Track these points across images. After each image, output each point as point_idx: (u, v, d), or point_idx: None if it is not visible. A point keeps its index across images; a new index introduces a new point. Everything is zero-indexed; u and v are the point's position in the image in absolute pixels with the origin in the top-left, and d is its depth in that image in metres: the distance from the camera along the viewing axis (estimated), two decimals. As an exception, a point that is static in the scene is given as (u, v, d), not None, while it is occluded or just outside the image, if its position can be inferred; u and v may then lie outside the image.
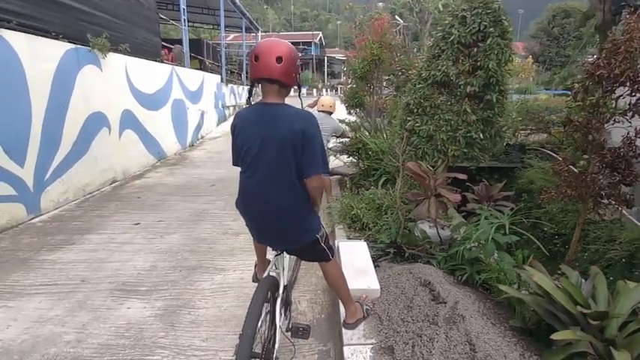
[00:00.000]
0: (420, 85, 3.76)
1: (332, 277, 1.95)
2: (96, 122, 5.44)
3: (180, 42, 10.06)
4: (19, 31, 4.09)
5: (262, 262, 2.15)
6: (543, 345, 1.90)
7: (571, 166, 2.90)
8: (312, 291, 2.83)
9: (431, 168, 3.07)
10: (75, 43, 4.96)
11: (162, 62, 7.98)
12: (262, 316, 1.63)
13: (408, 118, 3.84)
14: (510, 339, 1.96)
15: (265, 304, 1.67)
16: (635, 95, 2.51)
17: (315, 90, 29.62)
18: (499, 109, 3.59)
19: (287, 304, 2.05)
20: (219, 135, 10.70)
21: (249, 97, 1.74)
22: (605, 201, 2.81)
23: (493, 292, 2.43)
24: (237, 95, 15.03)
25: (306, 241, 1.78)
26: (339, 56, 35.79)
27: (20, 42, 4.08)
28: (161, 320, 2.47)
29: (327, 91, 29.92)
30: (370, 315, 2.19)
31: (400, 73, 6.27)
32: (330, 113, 4.78)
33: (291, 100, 1.71)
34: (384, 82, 6.89)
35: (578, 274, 2.09)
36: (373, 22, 6.78)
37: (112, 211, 4.64)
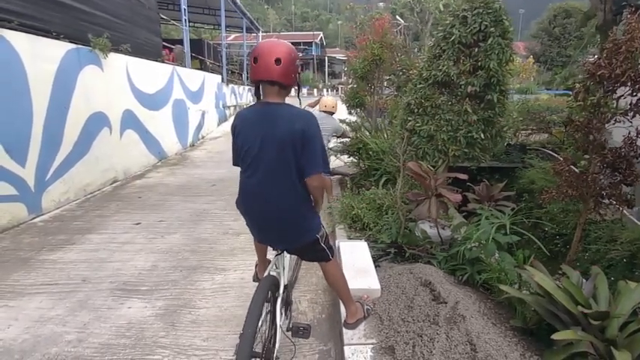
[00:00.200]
0: (421, 85, 3.76)
1: (332, 277, 1.95)
2: (97, 122, 5.44)
3: (181, 42, 10.07)
4: (20, 31, 4.10)
5: (263, 262, 2.15)
6: (544, 345, 1.90)
7: (572, 166, 2.90)
8: (312, 291, 2.83)
9: (431, 168, 3.07)
10: (76, 43, 4.97)
11: (163, 62, 7.99)
12: (263, 316, 1.63)
13: (409, 118, 3.84)
14: (511, 339, 1.96)
15: (266, 304, 1.67)
16: (636, 95, 2.51)
17: (315, 90, 29.62)
18: (500, 109, 3.59)
19: (287, 303, 2.05)
20: (219, 135, 10.71)
21: (257, 98, 1.71)
22: (606, 201, 2.81)
23: (494, 292, 2.43)
24: (238, 95, 15.05)
25: (306, 240, 1.78)
26: (340, 56, 35.79)
27: (21, 42, 4.09)
28: (162, 320, 2.48)
29: (327, 91, 29.92)
30: (371, 315, 2.19)
31: (401, 73, 6.27)
32: (332, 114, 4.78)
33: (291, 100, 1.71)
34: (385, 82, 6.88)
35: (579, 274, 2.09)
36: (374, 22, 6.78)
37: (113, 210, 4.64)
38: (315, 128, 1.60)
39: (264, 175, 1.64)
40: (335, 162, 5.65)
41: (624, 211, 3.50)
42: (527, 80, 18.79)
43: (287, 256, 2.02)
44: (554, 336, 1.64)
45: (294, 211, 1.72)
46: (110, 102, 5.75)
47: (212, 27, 19.63)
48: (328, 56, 41.70)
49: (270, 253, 2.01)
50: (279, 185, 1.65)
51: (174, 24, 14.37)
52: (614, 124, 2.64)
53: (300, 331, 1.93)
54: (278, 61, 1.53)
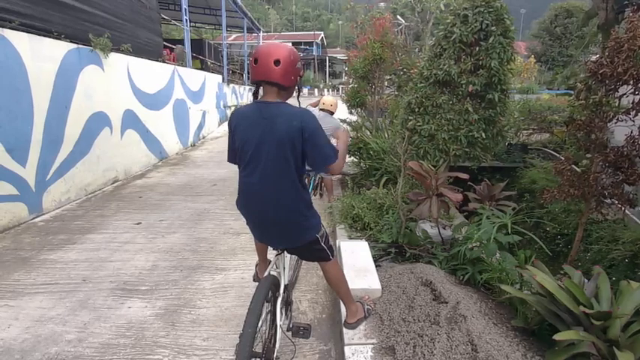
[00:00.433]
0: (422, 85, 3.75)
1: (332, 277, 1.95)
2: (98, 122, 5.45)
3: (182, 42, 10.08)
4: (21, 31, 4.10)
5: (263, 262, 2.15)
6: (546, 345, 1.89)
7: (573, 166, 2.88)
8: (313, 291, 2.82)
9: (432, 167, 3.06)
10: (77, 43, 4.97)
11: (164, 62, 7.99)
12: (263, 316, 1.63)
13: (410, 118, 3.83)
14: (512, 339, 1.95)
15: (266, 304, 1.67)
16: (638, 94, 2.49)
17: (316, 90, 29.63)
18: (501, 109, 3.58)
19: (288, 303, 2.05)
20: (220, 135, 10.72)
21: (255, 98, 1.73)
22: (608, 200, 2.79)
23: (495, 292, 2.42)
24: (239, 95, 15.05)
25: (306, 240, 1.77)
26: (341, 56, 35.81)
27: (22, 42, 4.09)
28: (162, 320, 2.47)
29: (328, 91, 29.95)
30: (371, 315, 2.18)
31: (402, 73, 6.26)
32: (332, 113, 4.76)
33: (291, 101, 1.71)
34: (386, 82, 6.88)
35: (581, 274, 2.08)
36: (375, 22, 6.77)
37: (114, 210, 4.64)
38: (313, 122, 1.60)
39: (263, 174, 1.64)
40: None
41: (626, 211, 3.49)
42: (529, 80, 18.77)
43: (287, 256, 2.01)
44: (556, 336, 1.64)
45: (294, 211, 1.71)
46: (111, 102, 5.75)
47: (213, 27, 19.67)
48: (329, 56, 41.71)
49: (271, 253, 2.00)
50: (277, 184, 1.64)
51: (175, 24, 14.39)
52: (616, 122, 2.62)
53: (300, 331, 1.93)
54: (277, 62, 1.55)
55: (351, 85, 7.08)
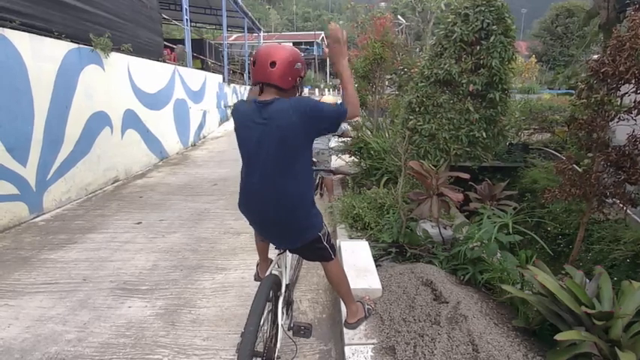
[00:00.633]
0: (423, 84, 3.74)
1: (334, 276, 1.94)
2: (98, 122, 5.45)
3: (182, 42, 10.08)
4: (22, 30, 4.10)
5: (264, 261, 2.15)
6: (547, 345, 1.88)
7: (575, 165, 2.87)
8: (313, 290, 2.82)
9: (433, 167, 3.06)
10: (77, 43, 4.97)
11: (165, 62, 8.00)
12: (264, 315, 1.62)
13: (410, 117, 3.82)
14: (513, 339, 1.94)
15: (267, 303, 1.66)
16: (640, 93, 2.48)
17: (317, 90, 29.62)
18: (502, 108, 3.57)
19: (289, 303, 2.04)
20: (221, 135, 10.72)
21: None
22: (610, 200, 2.78)
23: (496, 292, 2.41)
24: (239, 95, 15.05)
25: (308, 239, 1.77)
26: (342, 56, 35.60)
27: (23, 42, 4.09)
28: (162, 319, 2.47)
29: (329, 90, 29.92)
30: (371, 315, 2.17)
31: (402, 72, 6.25)
32: None
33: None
34: (386, 81, 6.87)
35: (583, 274, 2.07)
36: (375, 22, 6.76)
37: (114, 210, 4.64)
38: (307, 101, 1.59)
39: (263, 174, 1.64)
40: (336, 161, 5.64)
41: (628, 211, 3.47)
42: (530, 80, 18.74)
43: (289, 255, 2.01)
44: (558, 336, 1.63)
45: (295, 210, 1.70)
46: (111, 101, 5.75)
47: (213, 27, 19.67)
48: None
49: (272, 253, 1.99)
50: (278, 184, 1.64)
51: (175, 24, 14.36)
52: (617, 122, 2.61)
53: (301, 330, 1.92)
54: (273, 64, 1.56)
55: (351, 85, 7.06)
